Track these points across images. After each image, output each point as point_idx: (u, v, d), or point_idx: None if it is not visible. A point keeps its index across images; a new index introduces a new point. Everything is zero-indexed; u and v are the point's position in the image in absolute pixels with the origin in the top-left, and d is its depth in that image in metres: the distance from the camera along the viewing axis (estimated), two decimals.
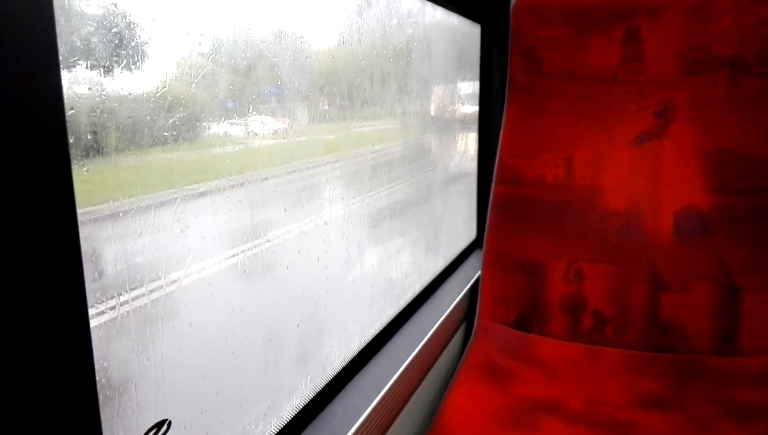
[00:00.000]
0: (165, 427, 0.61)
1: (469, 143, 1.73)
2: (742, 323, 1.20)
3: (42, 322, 0.40)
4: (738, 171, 1.25)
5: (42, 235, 0.40)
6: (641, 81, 1.34)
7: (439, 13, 1.34)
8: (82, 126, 0.47)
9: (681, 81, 1.31)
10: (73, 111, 0.47)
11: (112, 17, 0.49)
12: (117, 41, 0.49)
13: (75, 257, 0.43)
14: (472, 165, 1.75)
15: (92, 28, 0.47)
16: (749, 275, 1.21)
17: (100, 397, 0.47)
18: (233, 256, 0.66)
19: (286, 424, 0.80)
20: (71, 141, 0.43)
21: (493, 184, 1.40)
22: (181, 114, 0.56)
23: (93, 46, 0.47)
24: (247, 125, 0.67)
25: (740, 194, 1.24)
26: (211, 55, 0.61)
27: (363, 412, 0.85)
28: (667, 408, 1.04)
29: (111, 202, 0.50)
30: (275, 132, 0.74)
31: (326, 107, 0.87)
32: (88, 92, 0.47)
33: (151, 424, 0.59)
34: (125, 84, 0.50)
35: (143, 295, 0.54)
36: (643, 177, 1.31)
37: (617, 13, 1.35)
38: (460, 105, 1.59)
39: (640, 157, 1.32)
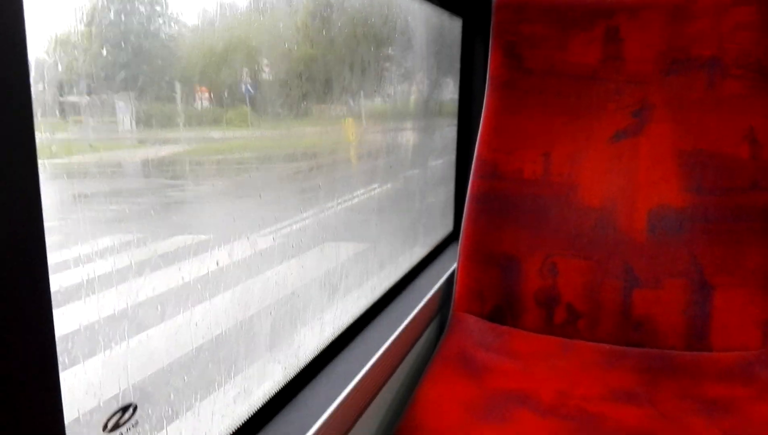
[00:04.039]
0: (130, 411, 0.60)
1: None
2: (712, 320, 1.22)
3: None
4: (713, 171, 1.26)
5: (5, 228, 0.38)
6: (620, 80, 1.35)
7: None
8: None
9: (659, 81, 1.32)
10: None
11: None
12: None
13: (40, 250, 0.42)
14: None
15: None
16: (721, 273, 1.23)
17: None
18: None
19: (255, 412, 0.79)
20: None
21: (471, 178, 1.40)
22: None
23: None
24: None
25: (714, 194, 1.25)
26: None
27: (334, 401, 0.85)
28: (638, 402, 1.05)
29: None
30: None
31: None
32: None
33: (116, 408, 0.58)
34: None
35: None
36: (619, 175, 1.33)
37: (598, 11, 1.36)
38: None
39: (617, 156, 1.33)
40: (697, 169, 1.27)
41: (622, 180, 1.32)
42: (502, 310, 1.33)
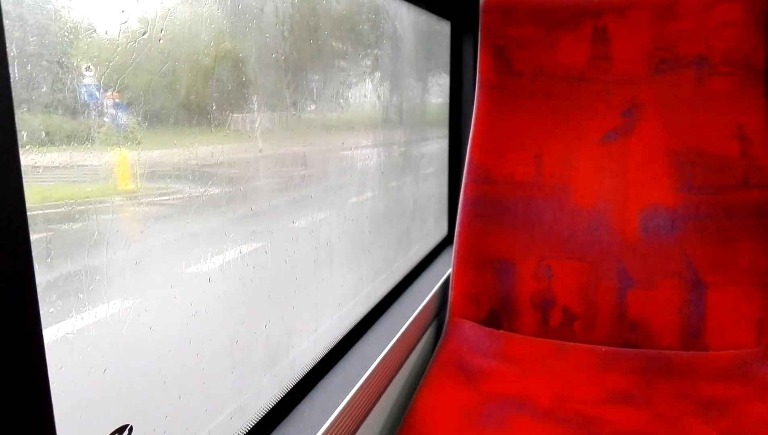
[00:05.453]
0: (126, 432, 0.59)
1: None
2: (707, 319, 1.22)
3: None
4: (703, 169, 1.27)
5: None
6: (609, 80, 1.35)
7: None
8: None
9: (648, 80, 1.33)
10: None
11: None
12: None
13: (26, 255, 0.41)
14: None
15: None
16: (714, 272, 1.23)
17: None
18: None
19: (254, 426, 0.78)
20: None
21: (463, 182, 1.40)
22: None
23: None
24: None
25: (705, 192, 1.26)
26: None
27: (333, 412, 0.84)
28: (635, 404, 1.05)
29: None
30: None
31: None
32: None
33: (112, 429, 0.57)
34: None
35: None
36: (611, 175, 1.33)
37: (585, 12, 1.36)
38: None
39: (608, 156, 1.34)
40: (688, 168, 1.28)
41: (614, 180, 1.32)
42: (497, 314, 1.33)
